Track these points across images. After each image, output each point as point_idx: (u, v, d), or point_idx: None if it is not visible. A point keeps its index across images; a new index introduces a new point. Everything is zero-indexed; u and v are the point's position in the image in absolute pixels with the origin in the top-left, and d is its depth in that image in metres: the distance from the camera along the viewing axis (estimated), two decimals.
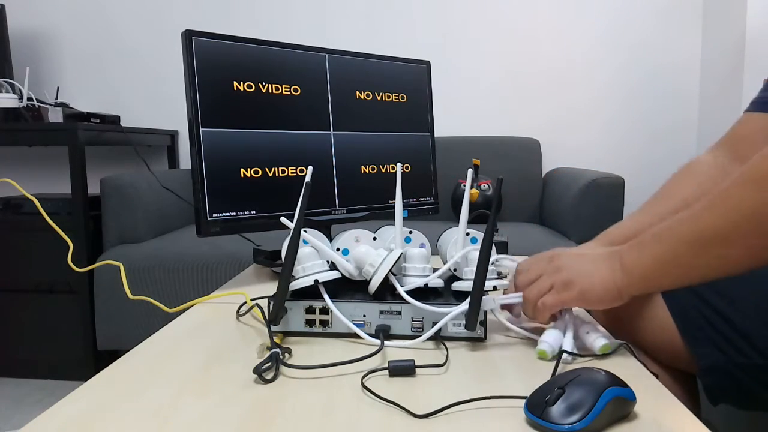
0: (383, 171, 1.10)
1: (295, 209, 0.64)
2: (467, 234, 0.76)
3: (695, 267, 0.55)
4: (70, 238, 1.00)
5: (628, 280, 0.58)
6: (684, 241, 0.55)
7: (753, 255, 0.52)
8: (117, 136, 1.98)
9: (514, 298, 0.65)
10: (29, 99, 1.95)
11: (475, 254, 0.70)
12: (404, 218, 0.74)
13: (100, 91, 2.38)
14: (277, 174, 0.95)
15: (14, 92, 1.93)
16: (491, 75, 2.31)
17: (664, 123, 2.25)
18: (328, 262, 0.69)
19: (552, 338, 0.58)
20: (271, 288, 0.68)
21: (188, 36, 0.87)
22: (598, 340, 0.57)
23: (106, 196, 1.71)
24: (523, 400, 0.46)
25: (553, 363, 0.55)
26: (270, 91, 0.95)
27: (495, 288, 0.67)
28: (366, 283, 0.68)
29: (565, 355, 0.56)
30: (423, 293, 0.67)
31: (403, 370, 0.53)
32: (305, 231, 0.70)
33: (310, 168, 0.65)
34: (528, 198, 2.12)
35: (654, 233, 0.58)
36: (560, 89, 2.29)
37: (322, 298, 0.63)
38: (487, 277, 0.61)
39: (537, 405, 0.44)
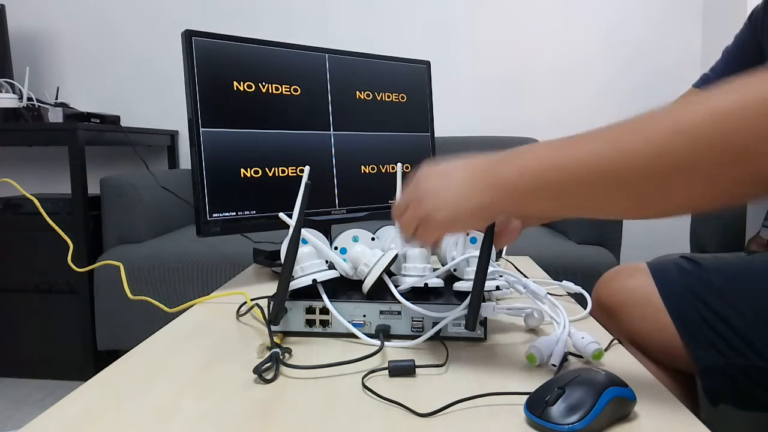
0: (383, 171, 1.10)
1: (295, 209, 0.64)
2: (466, 234, 0.76)
3: (597, 201, 0.44)
4: (70, 238, 1.00)
5: (497, 199, 0.49)
6: (562, 165, 0.44)
7: (708, 190, 0.40)
8: (117, 136, 1.98)
9: (518, 311, 0.65)
10: (29, 99, 1.95)
11: (476, 254, 0.70)
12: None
13: (100, 91, 2.38)
14: (277, 174, 0.95)
15: (14, 92, 1.93)
16: (491, 75, 2.31)
17: None
18: (327, 261, 0.69)
19: (543, 344, 0.57)
20: (271, 288, 0.68)
21: (188, 36, 0.87)
22: (591, 345, 0.57)
23: (106, 196, 1.71)
24: (525, 396, 0.46)
25: (544, 367, 0.55)
26: (270, 91, 0.95)
27: (498, 288, 0.68)
28: None
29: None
30: (423, 293, 0.67)
31: (403, 370, 0.53)
32: (303, 230, 0.70)
33: (307, 168, 0.65)
34: None
35: (538, 146, 0.48)
36: (560, 89, 2.29)
37: (322, 298, 0.63)
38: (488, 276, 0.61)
39: (537, 405, 0.44)
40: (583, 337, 0.59)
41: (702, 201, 0.41)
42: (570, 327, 0.61)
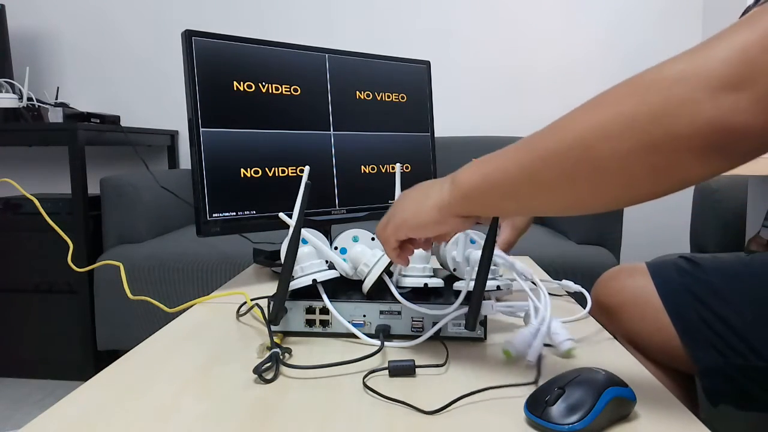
0: (383, 171, 1.10)
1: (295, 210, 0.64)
2: (466, 234, 0.76)
3: (535, 202, 0.48)
4: (70, 238, 1.00)
5: (453, 197, 0.53)
6: (509, 160, 0.48)
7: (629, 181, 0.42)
8: (117, 136, 1.98)
9: (517, 310, 0.65)
10: (29, 99, 1.95)
11: (475, 254, 0.70)
12: None
13: (100, 91, 2.38)
14: (277, 174, 0.95)
15: (14, 92, 1.93)
16: (491, 75, 2.31)
17: None
18: (327, 261, 0.69)
19: (519, 340, 0.57)
20: (271, 288, 0.68)
21: (188, 36, 0.87)
22: (565, 343, 0.57)
23: (106, 196, 1.71)
24: (529, 389, 0.46)
25: (550, 363, 0.55)
26: (270, 91, 0.95)
27: (498, 288, 0.68)
28: None
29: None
30: (423, 293, 0.67)
31: (403, 370, 0.54)
32: (303, 230, 0.70)
33: (307, 168, 0.65)
34: None
35: (501, 152, 0.51)
36: (560, 89, 2.29)
37: (322, 298, 0.63)
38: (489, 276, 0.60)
39: (537, 405, 0.44)
40: (557, 333, 0.58)
41: (624, 194, 0.43)
42: (551, 319, 0.60)
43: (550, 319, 0.60)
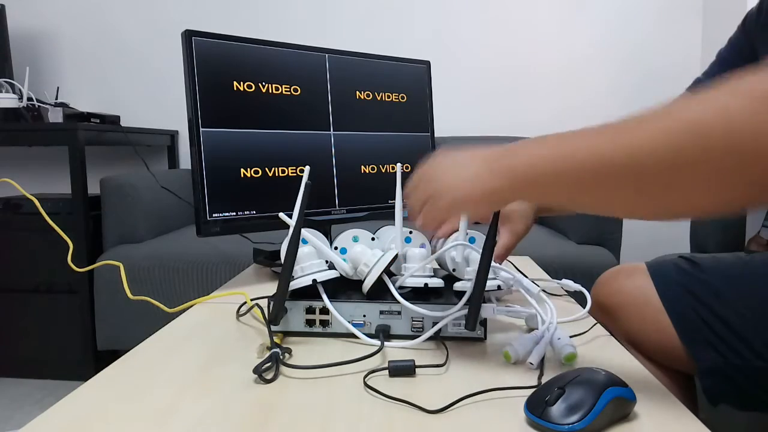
0: (383, 171, 1.10)
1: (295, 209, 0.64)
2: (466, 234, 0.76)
3: (601, 197, 0.45)
4: (70, 238, 0.99)
5: (508, 184, 0.49)
6: (576, 154, 0.44)
7: (713, 190, 0.39)
8: (117, 136, 1.98)
9: (518, 313, 0.65)
10: (29, 99, 1.95)
11: (475, 254, 0.70)
12: (404, 218, 0.74)
13: (100, 91, 2.38)
14: (277, 174, 0.95)
15: (14, 92, 1.92)
16: (491, 75, 2.31)
17: None
18: (327, 261, 0.69)
19: (520, 343, 0.57)
20: (271, 288, 0.68)
21: (188, 36, 0.87)
22: (565, 348, 0.57)
23: (106, 196, 1.71)
24: (531, 391, 0.46)
25: (548, 364, 0.55)
26: (270, 91, 0.95)
27: (499, 288, 0.68)
28: None
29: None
30: (424, 293, 0.67)
31: (403, 370, 0.54)
32: (303, 230, 0.70)
33: (308, 168, 0.65)
34: None
35: (555, 136, 0.48)
36: (560, 89, 2.29)
37: (322, 298, 0.63)
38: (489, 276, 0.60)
39: (537, 405, 0.44)
40: (559, 338, 0.58)
41: (706, 202, 0.41)
42: (556, 328, 0.61)
43: (555, 328, 0.60)
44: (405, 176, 0.66)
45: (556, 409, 0.43)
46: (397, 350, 0.61)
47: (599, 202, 0.46)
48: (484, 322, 0.62)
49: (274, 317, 0.62)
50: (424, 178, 0.58)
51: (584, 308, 0.75)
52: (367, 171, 1.07)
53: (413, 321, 0.63)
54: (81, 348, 1.76)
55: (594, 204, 0.47)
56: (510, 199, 0.52)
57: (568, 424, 0.42)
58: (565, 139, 0.46)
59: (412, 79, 1.15)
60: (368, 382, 0.51)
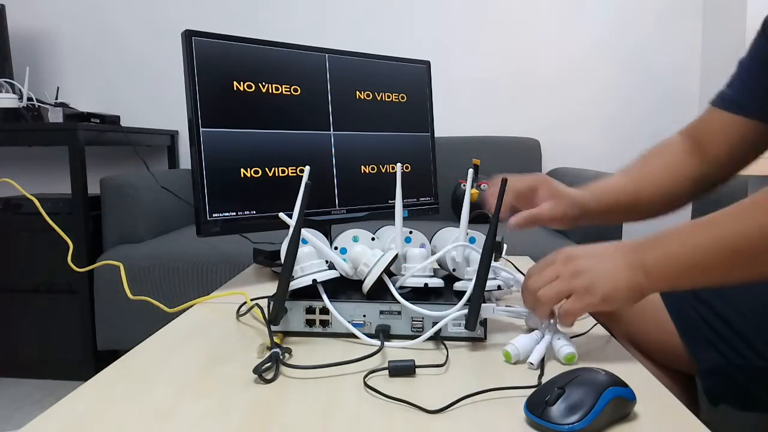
0: (383, 171, 1.10)
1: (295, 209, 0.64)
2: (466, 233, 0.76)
3: (715, 271, 0.55)
4: (70, 238, 1.00)
5: (647, 280, 0.56)
6: (702, 247, 0.55)
7: None
8: (117, 136, 1.98)
9: (518, 314, 0.65)
10: (29, 99, 1.95)
11: (475, 254, 0.70)
12: (404, 218, 0.74)
13: (100, 91, 2.38)
14: (277, 174, 0.95)
15: (14, 92, 1.93)
16: (491, 75, 2.31)
17: (664, 123, 2.25)
18: (327, 261, 0.69)
19: (521, 343, 0.57)
20: (271, 288, 0.68)
21: (188, 36, 0.87)
22: (565, 348, 0.57)
23: (106, 196, 1.71)
24: (531, 391, 0.46)
25: (548, 364, 0.55)
26: (270, 91, 0.95)
27: (499, 287, 0.67)
28: None
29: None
30: (424, 294, 0.67)
31: (402, 370, 0.53)
32: (303, 230, 0.70)
33: (307, 168, 0.65)
34: None
35: (674, 233, 0.57)
36: (560, 89, 2.29)
37: (322, 298, 0.63)
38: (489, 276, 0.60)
39: (537, 405, 0.44)
40: (559, 338, 0.58)
41: None
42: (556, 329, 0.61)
43: (555, 328, 0.60)
44: (405, 176, 0.66)
45: (556, 409, 0.43)
46: (397, 350, 0.61)
47: (731, 277, 0.56)
48: (484, 322, 0.62)
49: (274, 317, 0.62)
50: (564, 274, 0.58)
51: None
52: (367, 171, 1.07)
53: (413, 321, 0.63)
54: (81, 348, 1.76)
55: (718, 281, 0.57)
56: (650, 292, 0.58)
57: (568, 424, 0.42)
58: (679, 235, 0.57)
59: (412, 79, 1.15)
60: (368, 382, 0.51)
